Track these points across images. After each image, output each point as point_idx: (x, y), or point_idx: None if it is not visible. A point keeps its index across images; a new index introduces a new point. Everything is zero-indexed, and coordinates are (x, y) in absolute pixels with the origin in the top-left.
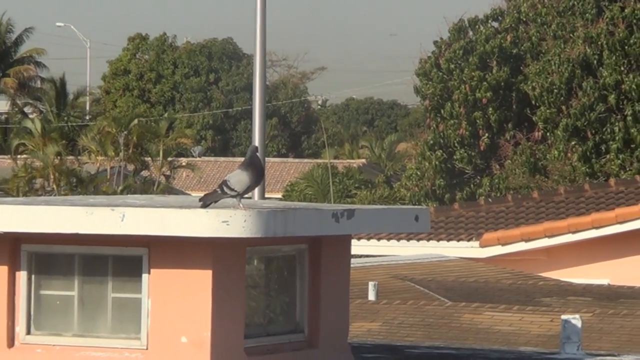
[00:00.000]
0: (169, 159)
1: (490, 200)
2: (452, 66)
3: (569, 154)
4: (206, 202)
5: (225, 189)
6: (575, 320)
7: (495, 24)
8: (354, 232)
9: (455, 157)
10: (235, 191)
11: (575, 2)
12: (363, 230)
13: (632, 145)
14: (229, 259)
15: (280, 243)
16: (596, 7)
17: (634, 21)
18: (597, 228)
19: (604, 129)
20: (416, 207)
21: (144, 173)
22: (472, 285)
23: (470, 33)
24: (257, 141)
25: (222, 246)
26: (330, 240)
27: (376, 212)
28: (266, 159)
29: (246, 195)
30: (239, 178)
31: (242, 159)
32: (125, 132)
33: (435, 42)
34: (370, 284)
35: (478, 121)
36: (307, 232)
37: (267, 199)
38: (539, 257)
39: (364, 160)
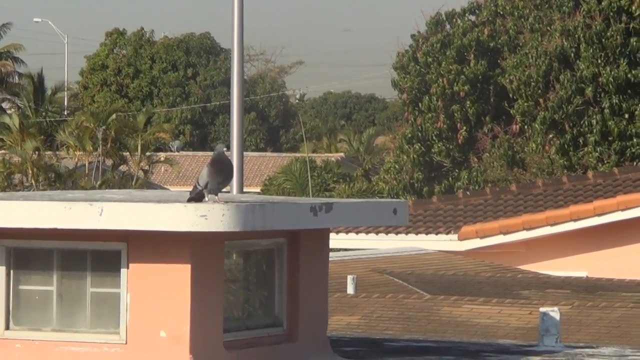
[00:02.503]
0: (147, 153)
1: (468, 193)
2: (430, 60)
3: (547, 147)
4: (190, 197)
5: (196, 183)
6: (554, 312)
7: (473, 18)
8: (332, 226)
9: (433, 150)
10: (200, 185)
11: None
12: (342, 223)
13: (610, 138)
14: (208, 253)
15: (259, 237)
16: (573, 0)
17: (611, 14)
18: (575, 220)
19: (582, 122)
20: (395, 200)
21: (122, 168)
22: (451, 278)
23: (448, 26)
24: (235, 135)
25: (201, 240)
26: (309, 234)
27: (355, 206)
28: (244, 153)
29: (224, 190)
30: (201, 173)
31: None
32: (104, 127)
33: (412, 36)
34: (349, 278)
35: (456, 114)
36: (286, 225)
37: (246, 193)
38: (518, 250)
39: (342, 154)
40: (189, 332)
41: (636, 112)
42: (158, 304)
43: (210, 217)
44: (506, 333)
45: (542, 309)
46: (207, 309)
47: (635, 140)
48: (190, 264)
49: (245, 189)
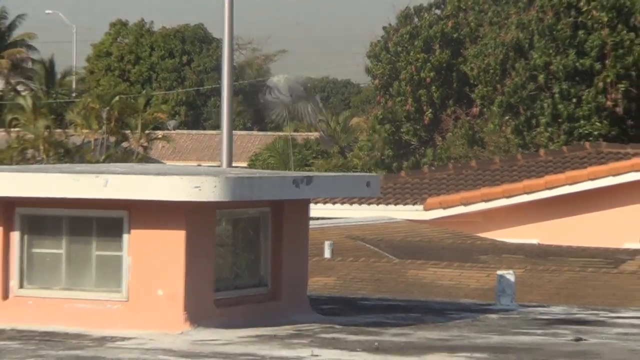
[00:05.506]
0: (147, 131)
1: (433, 168)
2: (400, 49)
3: (504, 128)
4: None
5: None
6: (509, 275)
7: (438, 12)
8: (312, 197)
9: (402, 130)
10: None
11: None
12: (320, 194)
13: (559, 120)
14: (201, 220)
15: (247, 206)
16: None
17: (561, 9)
18: (528, 193)
19: (535, 105)
20: (368, 174)
21: (124, 144)
22: (417, 244)
23: (416, 19)
24: (225, 116)
25: (195, 209)
26: (291, 204)
27: (332, 179)
28: (233, 132)
29: (214, 164)
30: None
31: (212, 132)
32: (108, 108)
33: (384, 28)
34: (326, 243)
35: (422, 98)
36: (271, 196)
37: (234, 168)
38: (477, 220)
39: (320, 133)
40: (183, 291)
41: (583, 97)
42: (156, 266)
43: (203, 188)
44: (466, 293)
45: (498, 272)
46: (200, 271)
47: (582, 121)
48: (185, 230)
49: (234, 164)
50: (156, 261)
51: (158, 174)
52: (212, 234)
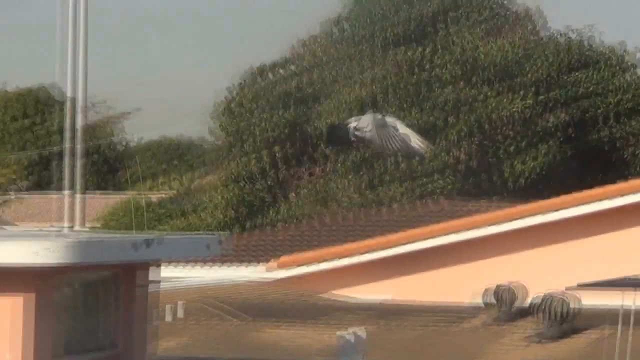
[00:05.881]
0: None
1: (285, 226)
2: (245, 109)
3: (354, 184)
4: None
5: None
6: (353, 335)
7: (284, 70)
8: (158, 258)
9: (253, 188)
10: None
11: (363, 47)
12: (167, 256)
13: (412, 175)
14: (41, 285)
15: (90, 269)
16: (382, 51)
17: (416, 64)
18: (381, 250)
19: (386, 162)
20: (218, 233)
21: None
22: (267, 304)
23: (260, 79)
24: (76, 177)
25: (34, 274)
26: (138, 266)
27: (180, 240)
28: (86, 192)
29: (59, 227)
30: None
31: (62, 193)
32: None
33: (228, 88)
34: (179, 304)
35: (265, 158)
36: (114, 259)
37: (84, 230)
38: (329, 277)
39: (174, 192)
40: (23, 358)
41: (435, 151)
42: None
43: (42, 253)
44: (311, 354)
45: (342, 331)
46: (41, 336)
47: (435, 176)
48: (24, 295)
49: (86, 225)
50: None
51: None
52: (53, 299)
